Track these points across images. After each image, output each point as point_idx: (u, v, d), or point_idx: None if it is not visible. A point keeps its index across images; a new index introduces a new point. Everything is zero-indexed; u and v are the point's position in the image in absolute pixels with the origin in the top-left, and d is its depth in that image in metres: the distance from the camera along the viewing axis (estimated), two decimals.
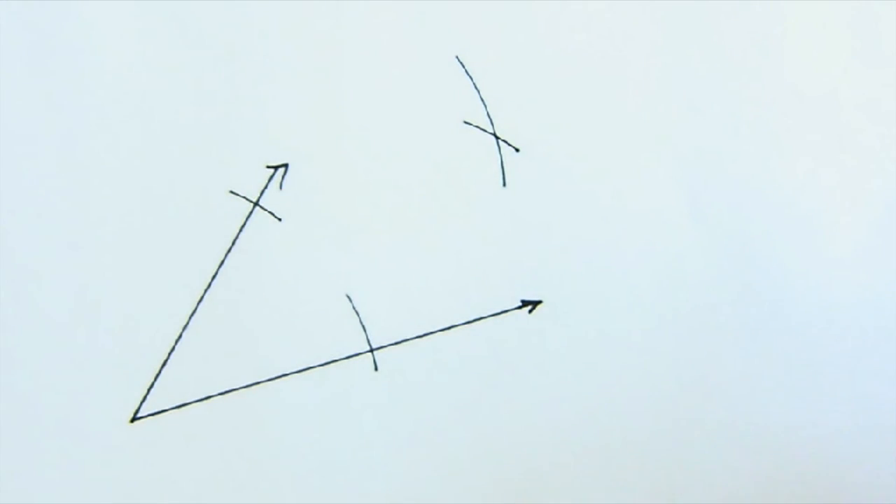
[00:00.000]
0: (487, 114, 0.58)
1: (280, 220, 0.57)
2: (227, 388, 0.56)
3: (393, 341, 0.57)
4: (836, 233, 0.59)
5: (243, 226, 0.57)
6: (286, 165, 0.57)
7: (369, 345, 0.57)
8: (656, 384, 0.58)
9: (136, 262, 0.56)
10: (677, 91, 0.59)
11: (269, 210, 0.57)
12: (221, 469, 0.56)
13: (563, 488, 0.58)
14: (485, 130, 0.58)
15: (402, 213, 0.58)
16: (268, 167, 0.57)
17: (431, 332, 0.58)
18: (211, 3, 0.57)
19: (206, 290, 0.56)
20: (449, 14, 0.58)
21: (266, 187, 0.57)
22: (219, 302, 0.56)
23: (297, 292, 0.57)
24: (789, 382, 0.59)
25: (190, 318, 0.56)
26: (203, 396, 0.56)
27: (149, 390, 0.56)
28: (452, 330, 0.58)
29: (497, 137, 0.58)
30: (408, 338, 0.57)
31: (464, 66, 0.58)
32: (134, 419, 0.56)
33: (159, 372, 0.56)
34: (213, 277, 0.56)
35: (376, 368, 0.57)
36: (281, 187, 0.57)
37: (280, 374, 0.57)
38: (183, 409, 0.56)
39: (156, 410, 0.56)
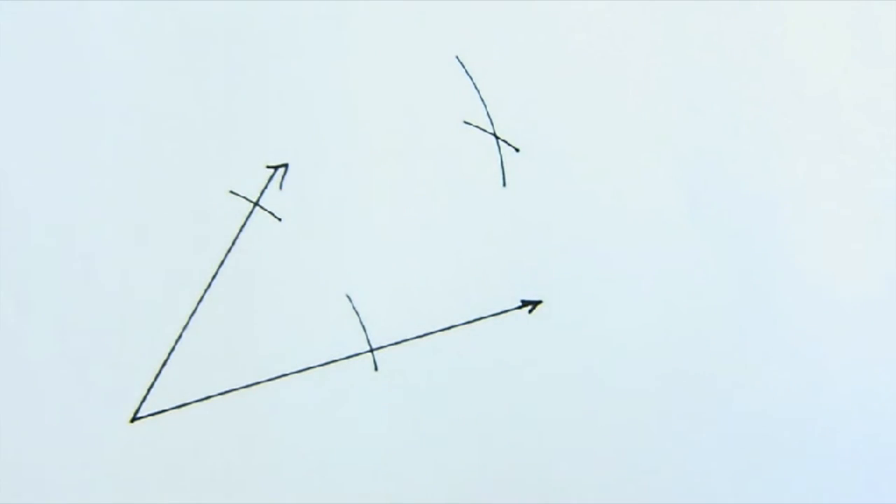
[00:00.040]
0: (487, 114, 0.58)
1: (280, 220, 0.57)
2: (227, 388, 0.56)
3: (393, 341, 0.57)
4: (836, 233, 0.59)
5: (243, 226, 0.57)
6: (286, 165, 0.57)
7: (369, 345, 0.57)
8: (656, 384, 0.58)
9: (135, 262, 0.56)
10: (677, 91, 0.59)
11: (269, 210, 0.57)
12: (221, 469, 0.56)
13: (563, 488, 0.58)
14: (485, 130, 0.58)
15: (402, 213, 0.58)
16: (268, 167, 0.57)
17: (431, 332, 0.58)
18: (211, 2, 0.57)
19: (206, 290, 0.56)
20: (449, 14, 0.58)
21: (266, 187, 0.57)
22: (219, 302, 0.56)
23: (297, 292, 0.57)
24: (790, 382, 0.59)
25: (190, 318, 0.56)
26: (203, 396, 0.56)
27: (149, 390, 0.56)
28: (452, 330, 0.58)
29: (497, 137, 0.58)
30: (408, 338, 0.57)
31: (464, 66, 0.58)
32: (134, 419, 0.56)
33: (159, 372, 0.56)
34: (213, 277, 0.56)
35: (376, 368, 0.57)
36: (281, 187, 0.57)
37: (280, 374, 0.57)
38: (183, 409, 0.56)
39: (156, 410, 0.56)
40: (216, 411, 0.56)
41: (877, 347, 0.59)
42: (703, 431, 0.58)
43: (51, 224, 0.56)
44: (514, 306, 0.58)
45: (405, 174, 0.58)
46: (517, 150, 0.58)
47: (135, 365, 0.56)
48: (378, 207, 0.58)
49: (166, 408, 0.56)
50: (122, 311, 0.56)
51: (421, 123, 0.58)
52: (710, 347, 0.59)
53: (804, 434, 0.59)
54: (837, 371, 0.59)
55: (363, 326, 0.57)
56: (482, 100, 0.58)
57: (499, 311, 0.58)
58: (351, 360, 0.57)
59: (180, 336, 0.56)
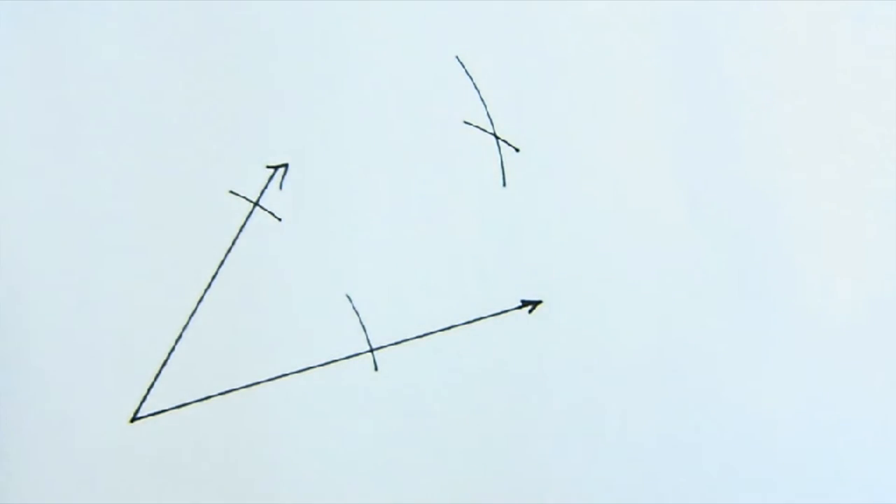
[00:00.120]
0: (487, 114, 0.58)
1: (280, 220, 0.57)
2: (227, 388, 0.56)
3: (393, 341, 0.57)
4: (837, 233, 0.59)
5: (243, 226, 0.57)
6: (286, 165, 0.57)
7: (369, 345, 0.57)
8: (656, 384, 0.58)
9: (136, 262, 0.56)
10: (677, 91, 0.59)
11: (269, 210, 0.57)
12: (221, 469, 0.56)
13: (563, 488, 0.58)
14: (485, 130, 0.58)
15: (402, 213, 0.58)
16: (268, 167, 0.57)
17: (431, 332, 0.58)
18: (211, 2, 0.57)
19: (206, 290, 0.56)
20: (449, 14, 0.58)
21: (266, 187, 0.57)
22: (219, 302, 0.56)
23: (297, 292, 0.57)
24: (790, 382, 0.59)
25: (190, 318, 0.56)
26: (203, 396, 0.56)
27: (149, 390, 0.56)
28: (452, 330, 0.58)
29: (497, 137, 0.58)
30: (408, 338, 0.57)
31: (464, 66, 0.58)
32: (134, 419, 0.56)
33: (159, 372, 0.56)
34: (213, 277, 0.56)
35: (376, 368, 0.57)
36: (281, 187, 0.57)
37: (280, 374, 0.57)
38: (183, 409, 0.56)
39: (156, 410, 0.56)
40: (216, 411, 0.56)
41: (877, 347, 0.59)
42: (703, 431, 0.58)
43: (51, 224, 0.56)
44: (514, 306, 0.58)
45: (405, 174, 0.58)
46: (517, 150, 0.58)
47: (135, 365, 0.56)
48: (378, 207, 0.58)
49: (166, 408, 0.56)
50: (123, 310, 0.56)
51: (421, 123, 0.58)
52: (710, 347, 0.59)
53: (804, 434, 0.59)
54: (837, 371, 0.59)
55: (363, 326, 0.57)
56: (482, 100, 0.58)
57: (499, 311, 0.58)
58: (351, 360, 0.57)
59: (180, 336, 0.56)
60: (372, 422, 0.57)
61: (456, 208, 0.58)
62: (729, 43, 0.59)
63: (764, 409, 0.59)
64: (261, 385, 0.56)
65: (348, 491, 0.57)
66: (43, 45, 0.56)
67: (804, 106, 0.59)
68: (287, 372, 0.57)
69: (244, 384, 0.56)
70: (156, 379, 0.56)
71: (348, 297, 0.57)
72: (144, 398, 0.56)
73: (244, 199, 0.57)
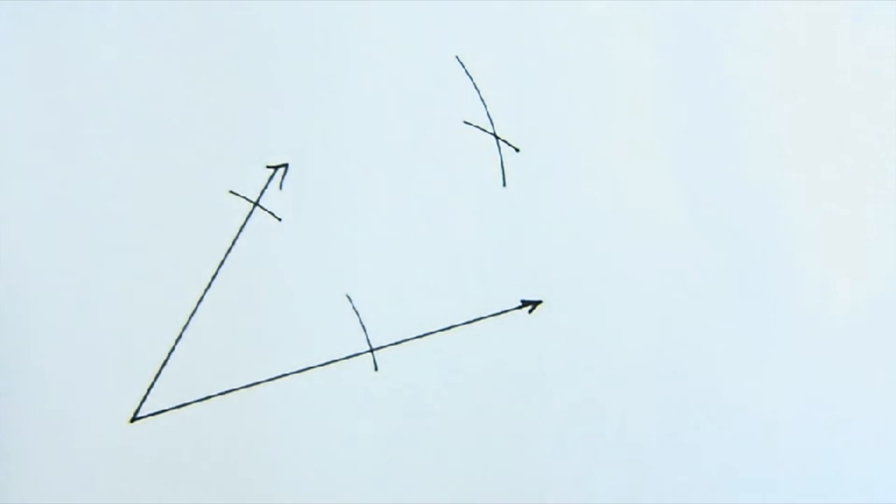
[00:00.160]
0: (487, 114, 0.58)
1: (280, 220, 0.57)
2: (227, 388, 0.56)
3: (393, 341, 0.57)
4: (837, 233, 0.59)
5: (243, 226, 0.57)
6: (286, 165, 0.57)
7: (369, 345, 0.57)
8: (656, 384, 0.58)
9: (136, 262, 0.56)
10: (677, 91, 0.59)
11: (269, 210, 0.57)
12: (221, 469, 0.56)
13: (563, 488, 0.58)
14: (485, 130, 0.58)
15: (402, 213, 0.58)
16: (268, 167, 0.57)
17: (431, 332, 0.58)
18: (211, 2, 0.57)
19: (206, 290, 0.56)
20: (449, 14, 0.58)
21: (266, 187, 0.57)
22: (219, 302, 0.56)
23: (297, 292, 0.57)
24: (790, 382, 0.59)
25: (190, 318, 0.56)
26: (203, 396, 0.56)
27: (149, 390, 0.56)
28: (452, 330, 0.58)
29: (497, 137, 0.58)
30: (408, 338, 0.57)
31: (464, 66, 0.58)
32: (134, 419, 0.56)
33: (159, 372, 0.56)
34: (213, 277, 0.56)
35: (376, 368, 0.57)
36: (281, 187, 0.57)
37: (280, 374, 0.57)
38: (183, 409, 0.56)
39: (156, 410, 0.56)
40: (216, 411, 0.56)
41: (877, 347, 0.59)
42: (703, 431, 0.58)
43: (51, 224, 0.56)
44: (514, 306, 0.58)
45: (405, 174, 0.58)
46: (517, 150, 0.58)
47: (135, 365, 0.56)
48: (378, 207, 0.58)
49: (166, 408, 0.56)
50: (123, 310, 0.56)
51: (421, 123, 0.58)
52: (710, 347, 0.59)
53: (804, 434, 0.59)
54: (837, 371, 0.59)
55: (363, 326, 0.57)
56: (482, 100, 0.58)
57: (499, 311, 0.58)
58: (351, 360, 0.57)
59: (180, 336, 0.56)
60: (372, 422, 0.57)
61: (456, 208, 0.58)
62: (729, 43, 0.59)
63: (764, 409, 0.59)
64: (261, 385, 0.56)
65: (348, 491, 0.57)
66: (43, 45, 0.56)
67: (804, 106, 0.59)
68: (287, 372, 0.57)
69: (244, 384, 0.56)
70: (156, 379, 0.56)
71: (348, 297, 0.57)
72: (144, 398, 0.56)
73: (244, 199, 0.57)
